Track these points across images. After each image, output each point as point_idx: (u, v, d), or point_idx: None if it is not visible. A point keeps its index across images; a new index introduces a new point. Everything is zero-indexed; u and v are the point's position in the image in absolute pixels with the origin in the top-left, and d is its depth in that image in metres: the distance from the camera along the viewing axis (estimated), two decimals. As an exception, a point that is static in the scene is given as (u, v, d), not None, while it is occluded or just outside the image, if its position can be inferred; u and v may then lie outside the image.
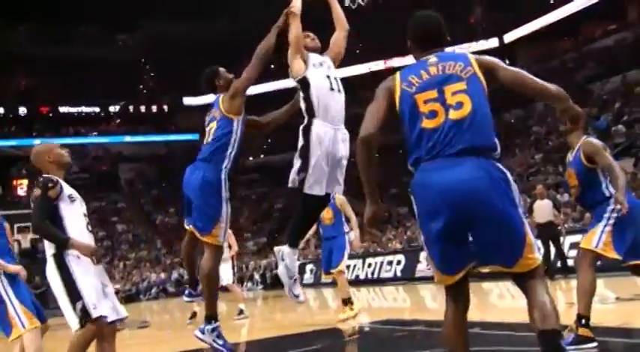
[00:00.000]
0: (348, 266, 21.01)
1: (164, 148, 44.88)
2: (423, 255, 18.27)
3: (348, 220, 9.76)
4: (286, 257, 5.14)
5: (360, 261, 20.77)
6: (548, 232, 13.12)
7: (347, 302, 8.94)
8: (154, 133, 45.37)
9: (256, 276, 27.99)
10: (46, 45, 41.34)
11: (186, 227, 5.46)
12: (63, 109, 44.84)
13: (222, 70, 5.80)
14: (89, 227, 4.69)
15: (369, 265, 20.37)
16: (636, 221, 4.99)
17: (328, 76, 5.29)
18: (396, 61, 42.17)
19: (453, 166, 3.06)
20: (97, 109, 45.76)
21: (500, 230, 3.00)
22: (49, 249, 4.47)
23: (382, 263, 19.85)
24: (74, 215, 4.59)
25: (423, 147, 3.22)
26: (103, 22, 42.19)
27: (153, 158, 43.69)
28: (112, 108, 46.08)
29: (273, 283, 23.76)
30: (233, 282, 12.17)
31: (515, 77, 3.36)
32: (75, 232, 4.48)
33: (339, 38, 5.63)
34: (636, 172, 18.47)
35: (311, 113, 5.07)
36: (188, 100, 46.11)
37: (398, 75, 3.36)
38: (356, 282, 19.91)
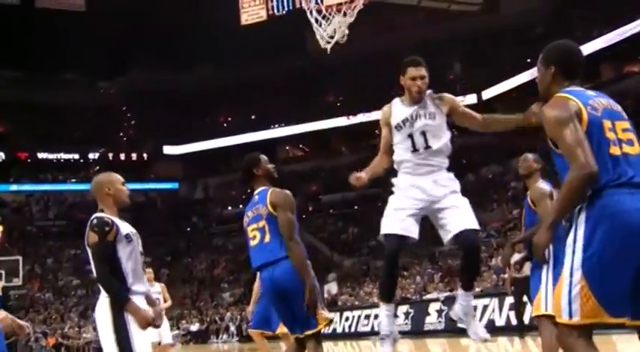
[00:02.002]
0: (325, 319, 20.87)
1: (142, 197, 44.63)
2: (400, 310, 18.17)
3: None
4: (380, 314, 5.49)
5: (338, 314, 20.59)
6: (524, 286, 13.08)
7: None
8: (132, 181, 45.01)
9: (232, 328, 27.62)
10: (25, 90, 41.30)
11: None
12: (41, 155, 44.53)
13: (263, 159, 5.42)
14: (144, 266, 4.52)
15: (347, 319, 20.21)
16: None
17: (411, 136, 5.02)
18: (360, 117, 42.69)
19: None
20: (77, 156, 45.51)
21: None
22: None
23: (360, 316, 19.69)
24: (132, 255, 4.39)
25: (609, 173, 3.01)
26: (85, 69, 42.36)
27: (131, 206, 42.93)
28: (91, 155, 45.83)
29: (249, 335, 23.44)
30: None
31: None
32: (132, 275, 4.32)
33: (473, 123, 5.22)
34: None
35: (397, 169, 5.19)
36: (168, 149, 46.12)
37: (575, 98, 3.14)
38: (333, 336, 19.73)
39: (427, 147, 4.97)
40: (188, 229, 40.93)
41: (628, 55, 32.18)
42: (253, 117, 47.51)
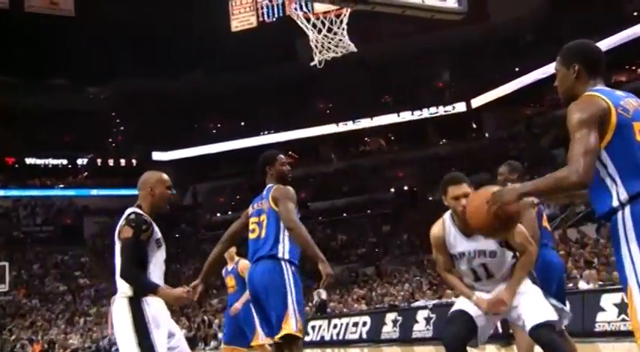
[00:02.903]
0: (314, 327, 20.86)
1: (131, 203, 44.48)
2: (388, 317, 18.18)
3: None
4: None
5: (326, 321, 20.57)
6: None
7: None
8: (121, 187, 44.99)
9: (220, 335, 27.50)
10: (14, 95, 41.12)
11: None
12: (29, 160, 44.35)
13: (280, 159, 5.40)
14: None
15: (335, 326, 20.17)
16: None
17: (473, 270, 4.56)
18: (349, 125, 43.02)
19: None
20: (65, 161, 45.35)
21: None
22: (125, 288, 4.22)
23: (348, 324, 19.66)
24: (158, 262, 4.33)
25: None
26: (74, 75, 42.24)
27: (119, 212, 42.85)
28: (79, 161, 45.72)
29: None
30: None
31: None
32: (156, 280, 4.25)
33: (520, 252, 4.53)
34: (598, 238, 18.75)
35: None
36: (157, 155, 46.04)
37: (606, 98, 2.98)
38: (321, 343, 19.69)
39: (489, 276, 4.54)
40: (177, 235, 40.81)
41: (616, 64, 32.40)
42: (243, 123, 47.56)
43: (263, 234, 5.01)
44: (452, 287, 4.80)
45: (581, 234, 20.16)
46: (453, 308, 4.52)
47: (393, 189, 40.46)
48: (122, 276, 4.17)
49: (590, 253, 16.96)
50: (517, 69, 38.18)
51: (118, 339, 4.19)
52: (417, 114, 42.26)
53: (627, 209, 2.85)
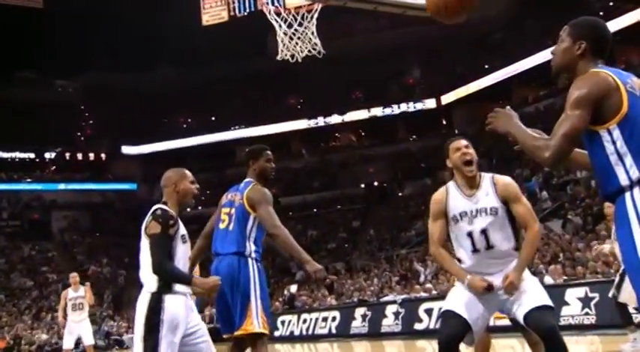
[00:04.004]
0: (283, 322, 20.92)
1: (99, 197, 44.11)
2: (358, 312, 18.30)
3: None
4: None
5: (295, 316, 20.64)
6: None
7: None
8: (90, 181, 44.60)
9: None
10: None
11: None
12: (-5, 154, 43.79)
13: (265, 155, 5.40)
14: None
15: (304, 321, 20.24)
16: None
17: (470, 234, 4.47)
18: (320, 120, 43.15)
19: None
20: (32, 155, 44.79)
21: None
22: (149, 285, 4.25)
23: (317, 319, 19.75)
24: (183, 257, 4.35)
25: None
26: (42, 67, 41.71)
27: (87, 207, 42.84)
28: (47, 155, 45.16)
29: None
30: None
31: None
32: None
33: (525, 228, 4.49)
34: (564, 233, 19.07)
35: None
36: (127, 149, 45.68)
37: (614, 75, 2.88)
38: (290, 338, 19.77)
39: (489, 247, 4.45)
40: (146, 230, 40.55)
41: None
42: (213, 118, 47.36)
43: (231, 227, 5.03)
44: (443, 266, 4.67)
45: (547, 230, 20.47)
46: (446, 306, 4.42)
47: (363, 185, 40.66)
48: (155, 271, 4.20)
49: (555, 248, 17.24)
50: (486, 66, 38.56)
51: (135, 331, 4.26)
52: (387, 111, 42.51)
53: (638, 188, 2.78)
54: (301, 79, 40.31)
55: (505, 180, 4.59)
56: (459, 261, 4.54)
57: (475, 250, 4.42)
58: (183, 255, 4.35)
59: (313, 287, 25.53)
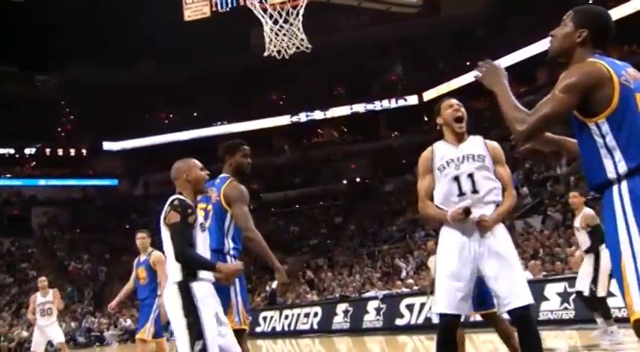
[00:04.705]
0: (265, 318, 20.93)
1: (80, 193, 43.81)
2: (339, 308, 18.36)
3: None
4: None
5: (277, 312, 20.68)
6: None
7: None
8: (70, 177, 44.29)
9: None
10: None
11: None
12: (-25, 149, 43.34)
13: (242, 150, 5.28)
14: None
15: (286, 317, 20.29)
16: None
17: (457, 178, 4.54)
18: (302, 116, 43.19)
19: None
20: (12, 151, 44.37)
21: None
22: (174, 275, 4.28)
23: (299, 315, 19.80)
24: (203, 246, 4.39)
25: None
26: (22, 62, 41.30)
27: (68, 203, 42.55)
28: (27, 150, 44.75)
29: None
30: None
31: None
32: None
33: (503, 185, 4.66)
34: (543, 229, 19.25)
35: None
36: (108, 145, 45.38)
37: (609, 66, 2.85)
38: (272, 334, 19.81)
39: (475, 191, 4.52)
40: (127, 226, 40.36)
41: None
42: (195, 114, 47.17)
43: (208, 224, 4.98)
44: (427, 213, 4.64)
45: (527, 225, 20.63)
46: (439, 307, 4.37)
47: (345, 181, 40.71)
48: (177, 259, 4.24)
49: (535, 244, 17.39)
50: (468, 63, 38.67)
51: (172, 325, 4.28)
52: (369, 107, 42.58)
53: (626, 182, 2.77)
54: (284, 74, 40.27)
55: (495, 143, 4.81)
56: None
57: (461, 193, 4.49)
58: (202, 243, 4.40)
59: (295, 284, 25.56)
